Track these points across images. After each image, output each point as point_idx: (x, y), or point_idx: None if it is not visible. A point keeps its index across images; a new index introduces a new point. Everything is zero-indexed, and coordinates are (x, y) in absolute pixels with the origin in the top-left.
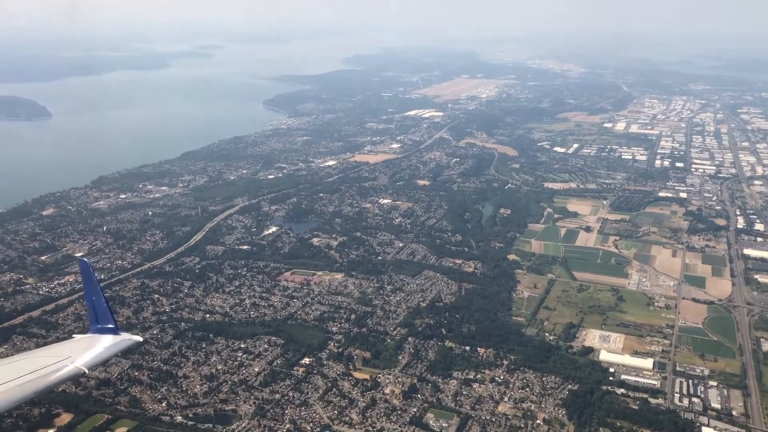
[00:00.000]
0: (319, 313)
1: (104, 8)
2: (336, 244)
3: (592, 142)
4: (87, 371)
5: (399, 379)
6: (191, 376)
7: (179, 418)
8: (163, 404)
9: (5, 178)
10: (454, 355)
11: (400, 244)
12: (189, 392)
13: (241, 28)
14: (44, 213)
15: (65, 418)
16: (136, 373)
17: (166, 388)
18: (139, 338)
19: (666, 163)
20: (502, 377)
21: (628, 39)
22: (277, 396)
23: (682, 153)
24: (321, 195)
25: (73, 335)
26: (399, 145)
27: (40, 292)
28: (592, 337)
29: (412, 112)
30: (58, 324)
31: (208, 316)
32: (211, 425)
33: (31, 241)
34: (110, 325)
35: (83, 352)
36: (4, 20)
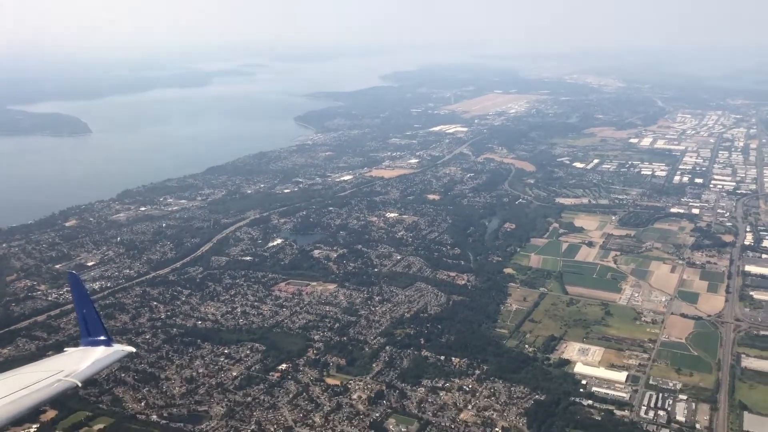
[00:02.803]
0: (304, 321)
1: (161, 30)
2: (336, 256)
3: (613, 158)
4: (80, 384)
5: (368, 386)
6: (173, 379)
7: (154, 417)
8: (142, 404)
9: (39, 192)
10: (427, 364)
11: (399, 257)
12: (168, 393)
13: (289, 47)
14: (67, 224)
15: (50, 414)
16: (123, 375)
17: (147, 389)
18: (132, 349)
19: (685, 178)
20: (470, 386)
21: (675, 53)
22: (249, 399)
23: (704, 169)
24: (330, 209)
25: (65, 348)
26: (417, 161)
27: (49, 299)
28: (571, 349)
29: (437, 128)
30: (60, 328)
31: (199, 323)
32: (182, 424)
33: (49, 250)
34: (102, 337)
35: (75, 365)
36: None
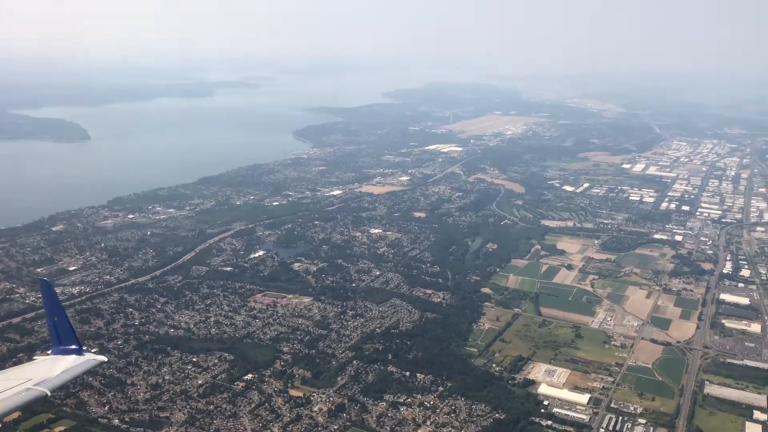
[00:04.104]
0: (276, 333)
1: (170, 39)
2: (315, 269)
3: (604, 182)
4: (49, 393)
5: (330, 399)
6: (138, 384)
7: (116, 422)
8: (106, 408)
9: (31, 196)
10: (392, 380)
11: (378, 273)
12: (132, 398)
13: (298, 60)
14: (54, 229)
15: (13, 415)
16: (90, 379)
17: (112, 393)
18: (103, 358)
19: (672, 205)
20: (431, 402)
21: (679, 80)
22: (211, 407)
23: (692, 196)
24: (316, 222)
25: (35, 357)
26: (408, 178)
27: (26, 301)
28: (537, 370)
29: (433, 147)
30: (34, 331)
31: (171, 330)
32: (143, 429)
33: (33, 254)
34: (73, 346)
35: (45, 374)
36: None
